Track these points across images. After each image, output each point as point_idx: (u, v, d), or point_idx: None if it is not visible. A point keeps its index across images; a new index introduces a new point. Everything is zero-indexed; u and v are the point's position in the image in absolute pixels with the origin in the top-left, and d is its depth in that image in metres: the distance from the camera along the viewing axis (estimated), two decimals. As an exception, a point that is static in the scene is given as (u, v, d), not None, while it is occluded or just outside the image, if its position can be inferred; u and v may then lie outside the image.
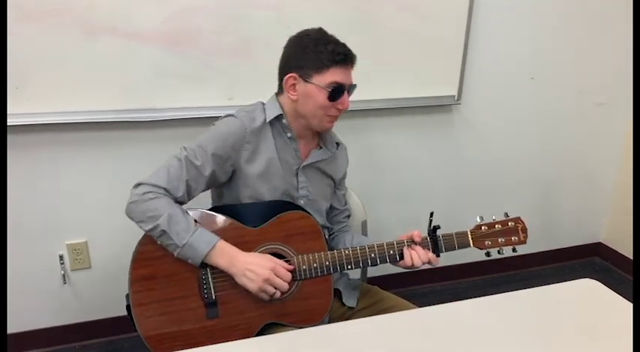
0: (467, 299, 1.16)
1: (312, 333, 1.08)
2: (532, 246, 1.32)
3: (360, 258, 1.28)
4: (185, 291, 1.23)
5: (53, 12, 1.59)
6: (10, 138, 1.71)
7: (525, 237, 1.32)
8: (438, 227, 1.30)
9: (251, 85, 1.80)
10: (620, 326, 1.07)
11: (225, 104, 1.82)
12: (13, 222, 1.80)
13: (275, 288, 1.21)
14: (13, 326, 1.92)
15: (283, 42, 1.33)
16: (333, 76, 1.25)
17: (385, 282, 1.70)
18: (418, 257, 1.28)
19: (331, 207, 1.49)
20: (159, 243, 1.21)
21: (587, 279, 1.25)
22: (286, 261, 1.25)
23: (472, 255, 1.36)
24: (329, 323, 1.34)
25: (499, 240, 1.30)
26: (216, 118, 1.34)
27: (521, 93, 2.26)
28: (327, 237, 1.43)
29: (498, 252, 1.31)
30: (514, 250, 1.32)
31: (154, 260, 1.22)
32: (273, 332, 1.23)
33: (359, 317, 1.26)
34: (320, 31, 1.29)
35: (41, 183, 1.81)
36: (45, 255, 1.89)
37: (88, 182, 1.85)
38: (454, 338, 1.04)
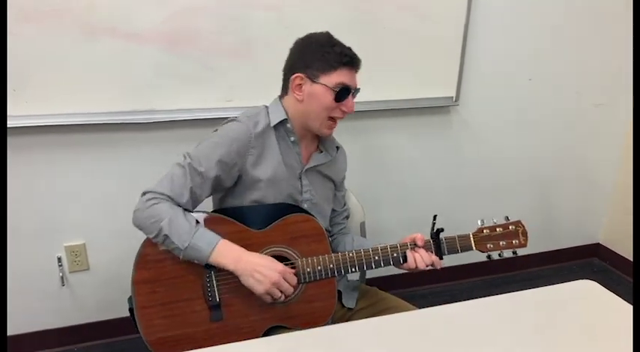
0: (466, 300, 1.17)
1: (311, 334, 1.08)
2: (531, 246, 1.33)
3: (364, 261, 1.28)
4: (189, 294, 1.22)
5: (52, 12, 1.58)
6: (9, 140, 1.70)
7: (526, 241, 1.32)
8: (442, 230, 1.30)
9: (251, 86, 1.80)
10: (618, 327, 1.08)
11: (225, 105, 1.81)
12: (12, 224, 1.79)
13: (281, 292, 1.20)
14: (11, 329, 1.90)
15: (283, 42, 1.32)
16: (339, 77, 1.26)
17: (385, 283, 1.71)
18: (422, 259, 1.28)
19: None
20: (165, 248, 1.20)
21: (585, 280, 1.25)
22: (290, 264, 1.25)
23: (471, 256, 1.37)
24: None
25: (501, 243, 1.31)
26: (216, 120, 1.33)
27: (520, 94, 2.26)
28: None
29: (499, 254, 1.32)
30: (514, 253, 1.32)
31: (157, 262, 1.22)
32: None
33: (358, 318, 1.26)
34: (327, 35, 1.30)
35: (39, 185, 1.80)
36: (43, 257, 1.88)
37: (87, 184, 1.84)
38: (453, 339, 1.04)
